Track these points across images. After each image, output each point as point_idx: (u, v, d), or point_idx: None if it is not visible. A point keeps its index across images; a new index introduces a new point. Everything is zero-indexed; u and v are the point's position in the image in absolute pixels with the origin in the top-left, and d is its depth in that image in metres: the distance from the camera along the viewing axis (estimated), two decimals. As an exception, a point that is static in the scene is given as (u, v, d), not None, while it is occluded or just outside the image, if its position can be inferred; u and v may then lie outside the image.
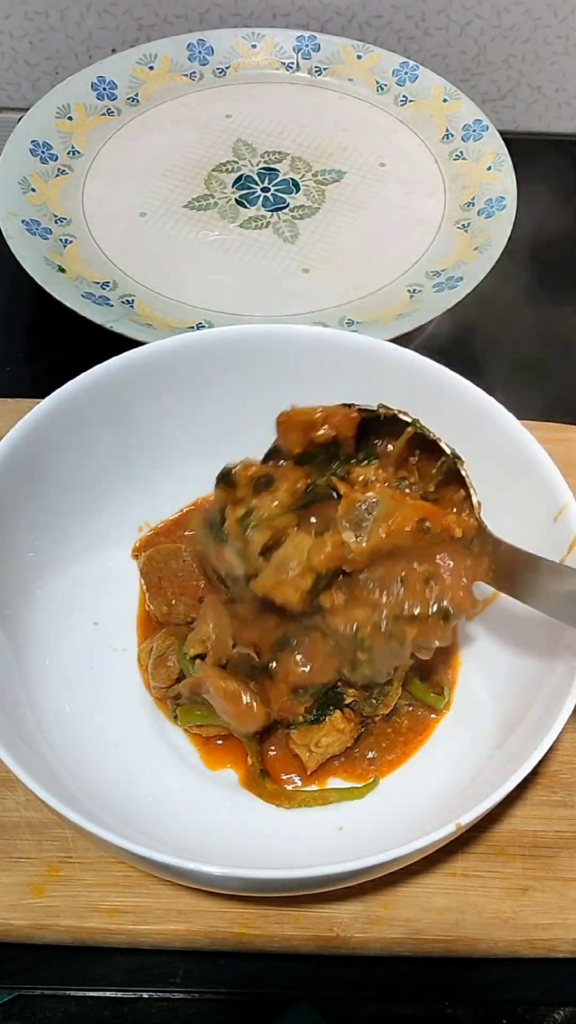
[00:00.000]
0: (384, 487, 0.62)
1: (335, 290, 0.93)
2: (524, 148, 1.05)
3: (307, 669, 0.63)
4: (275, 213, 1.00)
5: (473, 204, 0.98)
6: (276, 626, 0.63)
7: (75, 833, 0.62)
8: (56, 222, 0.96)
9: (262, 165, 1.04)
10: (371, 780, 0.65)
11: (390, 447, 0.63)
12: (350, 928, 0.61)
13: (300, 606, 0.60)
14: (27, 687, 0.64)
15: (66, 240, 0.95)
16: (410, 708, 0.68)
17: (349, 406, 0.63)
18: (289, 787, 0.66)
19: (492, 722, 0.66)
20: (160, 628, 0.71)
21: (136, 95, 1.08)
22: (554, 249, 1.07)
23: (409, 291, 0.93)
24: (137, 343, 0.74)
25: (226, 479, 0.62)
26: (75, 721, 0.66)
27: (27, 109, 1.03)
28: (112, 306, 0.89)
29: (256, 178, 1.03)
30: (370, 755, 0.67)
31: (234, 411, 0.76)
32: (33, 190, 0.97)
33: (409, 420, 0.62)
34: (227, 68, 1.11)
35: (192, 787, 0.66)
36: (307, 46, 1.10)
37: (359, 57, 1.10)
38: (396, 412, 0.63)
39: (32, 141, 1.00)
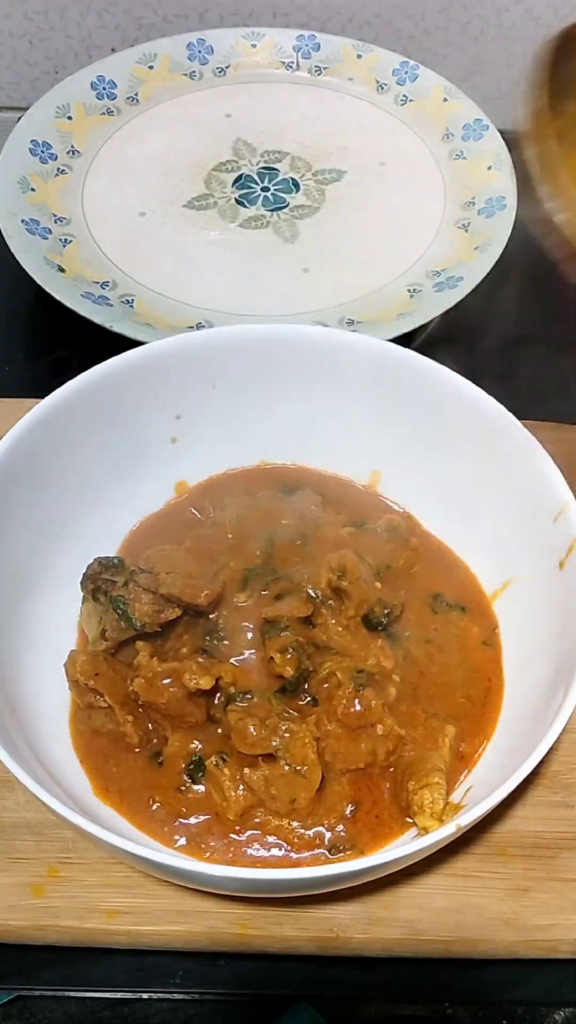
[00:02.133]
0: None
1: (335, 290, 0.93)
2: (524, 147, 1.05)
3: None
4: (275, 213, 1.00)
5: (473, 204, 0.98)
6: None
7: (75, 834, 0.62)
8: (56, 222, 0.96)
9: (262, 164, 1.04)
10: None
11: None
12: (350, 929, 0.61)
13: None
14: (20, 690, 0.64)
15: (66, 240, 0.95)
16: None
17: None
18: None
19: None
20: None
21: (136, 94, 1.08)
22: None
23: (409, 291, 0.92)
24: (137, 343, 0.74)
25: None
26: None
27: (27, 108, 1.03)
28: (112, 306, 0.89)
29: (256, 177, 1.03)
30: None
31: (234, 411, 0.76)
32: (33, 189, 0.97)
33: None
34: (227, 67, 1.10)
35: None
36: (307, 45, 1.10)
37: (359, 56, 1.09)
38: None
39: (32, 140, 1.00)
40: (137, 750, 0.65)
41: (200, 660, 0.64)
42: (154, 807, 0.63)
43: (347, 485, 0.78)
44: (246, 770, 0.62)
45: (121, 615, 0.65)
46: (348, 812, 0.62)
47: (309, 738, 0.62)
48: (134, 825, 0.62)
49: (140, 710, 0.64)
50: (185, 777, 0.63)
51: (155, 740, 0.65)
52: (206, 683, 0.62)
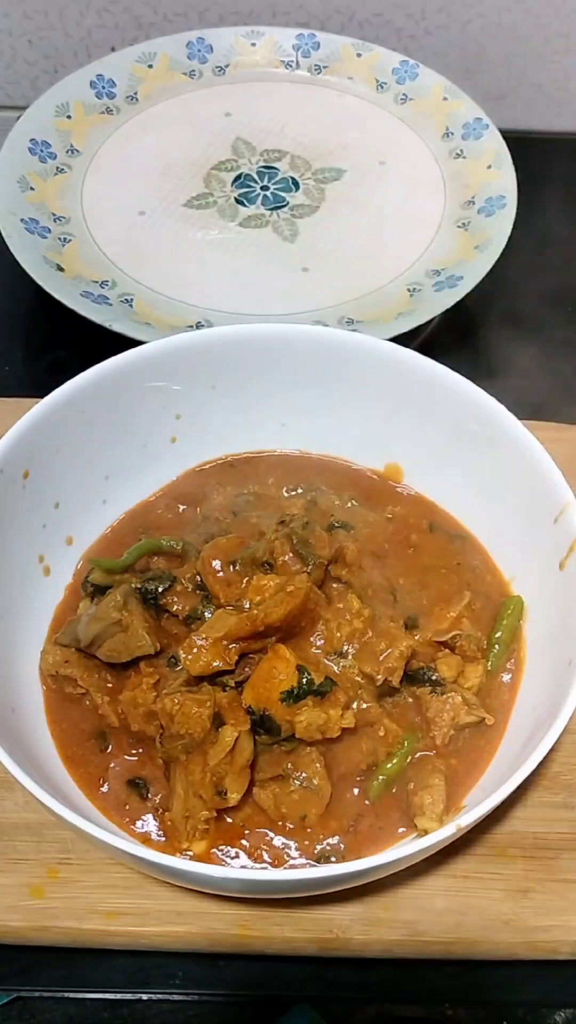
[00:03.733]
0: None
1: (335, 289, 0.93)
2: (525, 146, 1.05)
3: None
4: (274, 212, 1.00)
5: (473, 203, 0.98)
6: None
7: (74, 835, 0.62)
8: (55, 221, 0.96)
9: (261, 163, 1.04)
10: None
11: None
12: (350, 930, 0.61)
13: None
14: (19, 689, 0.64)
15: (65, 239, 0.95)
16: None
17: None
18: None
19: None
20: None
21: (135, 93, 1.07)
22: (554, 248, 1.07)
23: (409, 290, 0.92)
24: (136, 342, 0.74)
25: None
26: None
27: (26, 107, 1.02)
28: (111, 305, 0.89)
29: (255, 176, 1.03)
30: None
31: (233, 410, 0.75)
32: (32, 189, 0.97)
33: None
34: (226, 66, 1.10)
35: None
36: (307, 44, 1.10)
37: (359, 55, 1.09)
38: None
39: (31, 139, 1.00)
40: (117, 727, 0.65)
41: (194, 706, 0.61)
42: (143, 821, 0.63)
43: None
44: (255, 789, 0.61)
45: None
46: (351, 825, 0.62)
47: (316, 753, 0.61)
48: (113, 821, 0.62)
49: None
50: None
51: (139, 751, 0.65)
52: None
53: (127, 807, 0.62)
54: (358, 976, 0.62)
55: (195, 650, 0.61)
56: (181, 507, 0.75)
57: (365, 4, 1.12)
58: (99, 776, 0.63)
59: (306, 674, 0.60)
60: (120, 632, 0.63)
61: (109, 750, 0.64)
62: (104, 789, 0.63)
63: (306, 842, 0.61)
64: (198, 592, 0.66)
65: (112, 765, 0.64)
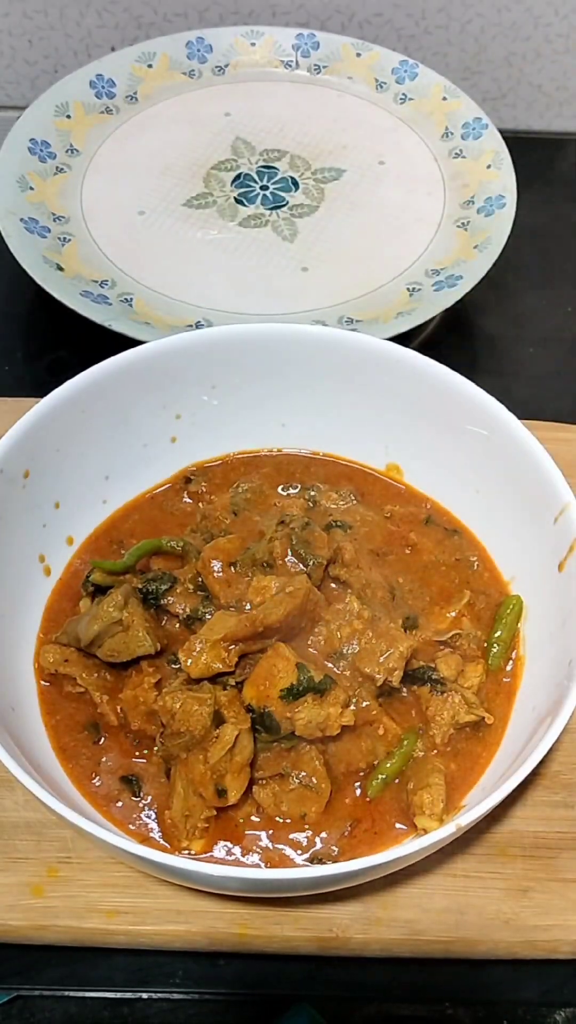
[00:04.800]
0: None
1: (334, 288, 0.93)
2: (524, 146, 1.05)
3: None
4: (274, 211, 1.00)
5: (473, 202, 0.98)
6: None
7: (74, 834, 0.62)
8: (54, 220, 0.96)
9: (261, 163, 1.04)
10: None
11: None
12: (350, 929, 0.61)
13: None
14: (19, 689, 0.64)
15: (64, 238, 0.95)
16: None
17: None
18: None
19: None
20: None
21: (135, 93, 1.07)
22: (554, 248, 1.07)
23: (408, 289, 0.92)
24: (136, 342, 0.74)
25: None
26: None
27: (26, 107, 1.02)
28: (111, 304, 0.89)
29: (255, 176, 1.03)
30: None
31: (233, 410, 0.76)
32: (31, 188, 0.97)
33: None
34: (226, 66, 1.10)
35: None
36: (306, 44, 1.10)
37: (358, 55, 1.09)
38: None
39: (30, 139, 1.00)
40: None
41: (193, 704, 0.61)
42: (135, 817, 0.63)
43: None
44: (255, 788, 0.61)
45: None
46: (350, 824, 0.62)
47: (315, 751, 0.61)
48: (106, 817, 0.62)
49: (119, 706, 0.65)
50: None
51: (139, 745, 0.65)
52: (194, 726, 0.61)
53: (119, 803, 0.62)
54: (358, 975, 0.62)
55: (195, 653, 0.61)
56: (181, 507, 0.75)
57: (365, 4, 1.12)
58: (92, 770, 0.64)
59: (305, 671, 0.60)
60: (121, 632, 0.64)
61: (102, 742, 0.64)
62: (96, 783, 0.63)
63: (306, 841, 0.61)
64: (199, 593, 0.66)
65: (104, 759, 0.64)
